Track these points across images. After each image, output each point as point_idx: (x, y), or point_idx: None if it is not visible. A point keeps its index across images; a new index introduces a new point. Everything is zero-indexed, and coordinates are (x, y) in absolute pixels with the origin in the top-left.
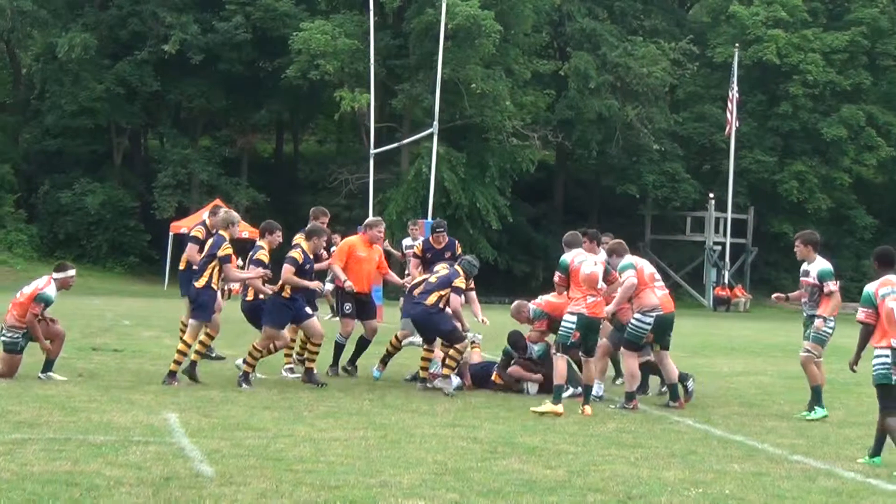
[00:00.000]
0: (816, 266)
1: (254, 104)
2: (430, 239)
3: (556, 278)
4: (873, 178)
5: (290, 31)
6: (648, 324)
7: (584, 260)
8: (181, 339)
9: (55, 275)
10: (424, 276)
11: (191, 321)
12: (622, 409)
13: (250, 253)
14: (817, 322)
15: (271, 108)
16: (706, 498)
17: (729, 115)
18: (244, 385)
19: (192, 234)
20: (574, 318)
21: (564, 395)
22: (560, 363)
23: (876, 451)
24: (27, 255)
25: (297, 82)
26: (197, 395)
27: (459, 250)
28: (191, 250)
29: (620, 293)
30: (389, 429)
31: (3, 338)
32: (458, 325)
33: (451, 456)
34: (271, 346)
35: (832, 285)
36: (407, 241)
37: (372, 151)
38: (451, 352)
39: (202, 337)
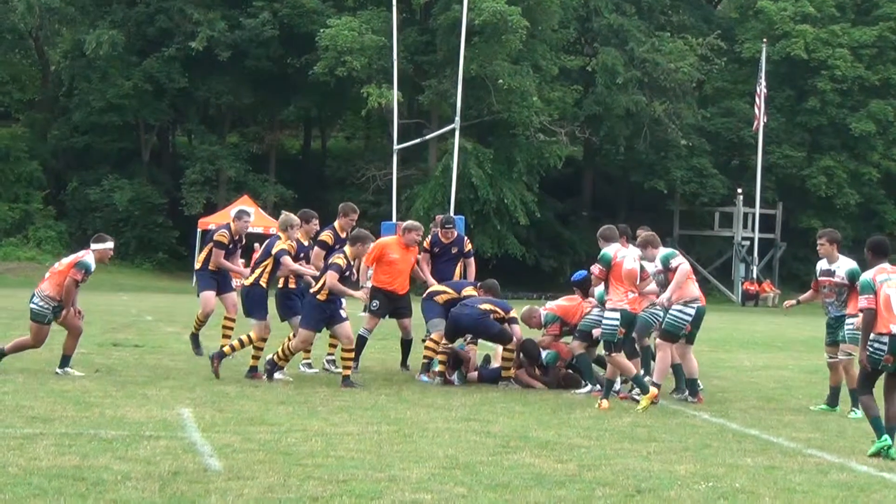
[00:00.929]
0: (844, 265)
1: (281, 101)
2: (440, 234)
3: (595, 271)
4: None
5: (317, 27)
6: (690, 314)
7: (626, 255)
8: (241, 339)
9: (94, 245)
10: (444, 287)
11: (250, 321)
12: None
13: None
14: (857, 321)
15: (299, 105)
16: (715, 492)
17: (757, 111)
18: (265, 378)
19: (216, 238)
20: (617, 315)
21: (582, 391)
22: (617, 360)
23: (878, 434)
24: (56, 252)
25: (324, 79)
26: (213, 389)
27: (469, 247)
28: (217, 256)
29: (678, 277)
30: (403, 423)
31: (32, 305)
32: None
33: (462, 450)
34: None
35: None
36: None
37: (395, 147)
38: (505, 353)
39: (244, 337)
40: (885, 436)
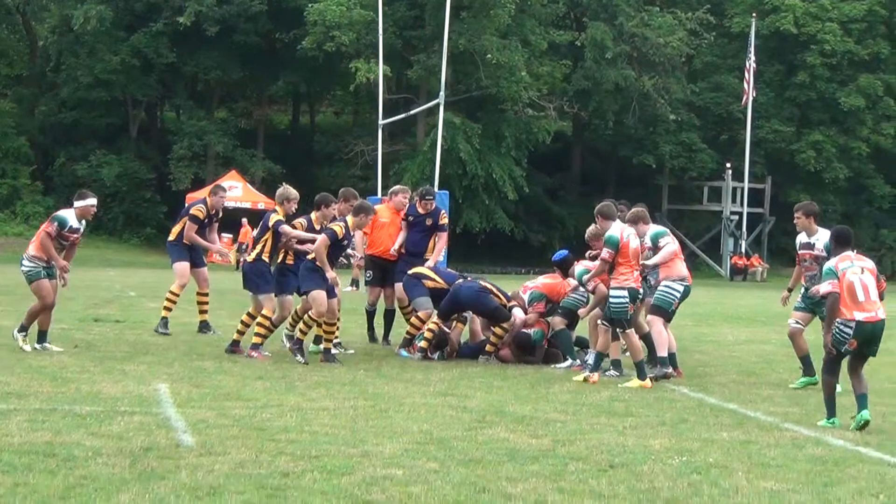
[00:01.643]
0: (823, 238)
1: (270, 76)
2: (417, 205)
3: (605, 256)
4: (891, 147)
5: (305, 2)
6: (679, 290)
7: (630, 233)
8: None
9: (76, 203)
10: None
11: (259, 297)
12: (661, 378)
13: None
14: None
15: (287, 80)
16: (689, 466)
17: (746, 85)
18: (299, 357)
19: (193, 212)
20: (626, 293)
21: (562, 365)
22: (630, 339)
23: (830, 412)
24: None
25: (312, 54)
26: (191, 365)
27: (444, 220)
28: (189, 229)
29: (662, 254)
30: (380, 398)
31: (22, 268)
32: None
33: (437, 425)
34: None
35: None
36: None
37: (381, 122)
38: (498, 330)
39: (245, 316)
40: (835, 418)
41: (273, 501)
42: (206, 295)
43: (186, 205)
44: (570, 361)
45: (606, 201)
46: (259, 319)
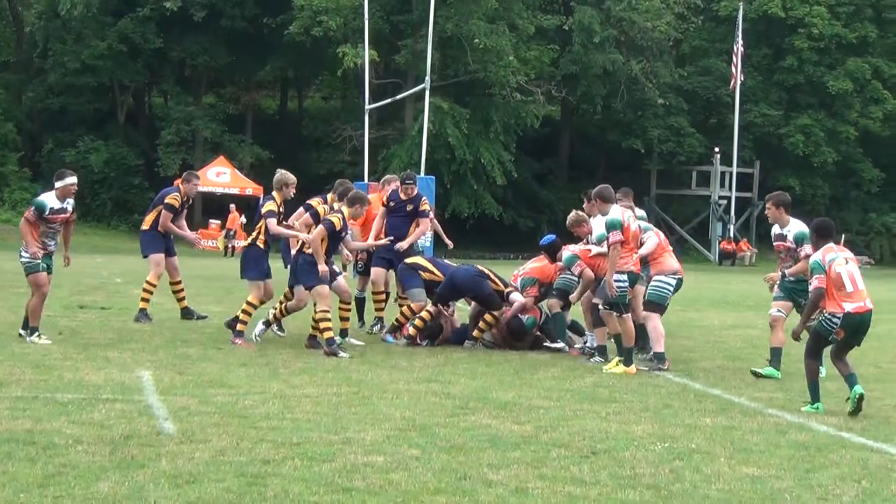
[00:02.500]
0: (794, 228)
1: (258, 61)
2: (399, 190)
3: (612, 238)
4: (880, 131)
5: None
6: (672, 284)
7: (630, 216)
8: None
9: (56, 184)
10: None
11: (248, 283)
12: (658, 371)
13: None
14: (772, 275)
15: (275, 65)
16: (671, 452)
17: (734, 69)
18: (341, 354)
19: (168, 201)
20: (625, 277)
21: (554, 346)
22: (627, 324)
23: (814, 397)
24: None
25: (300, 39)
26: (175, 352)
27: (424, 206)
28: (165, 218)
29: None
30: (363, 385)
31: (21, 260)
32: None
33: (420, 412)
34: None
35: (808, 248)
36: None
37: (367, 107)
38: (488, 317)
39: (248, 301)
40: (819, 403)
41: (253, 489)
42: (179, 282)
43: (159, 192)
44: (561, 344)
45: (604, 185)
46: (244, 306)
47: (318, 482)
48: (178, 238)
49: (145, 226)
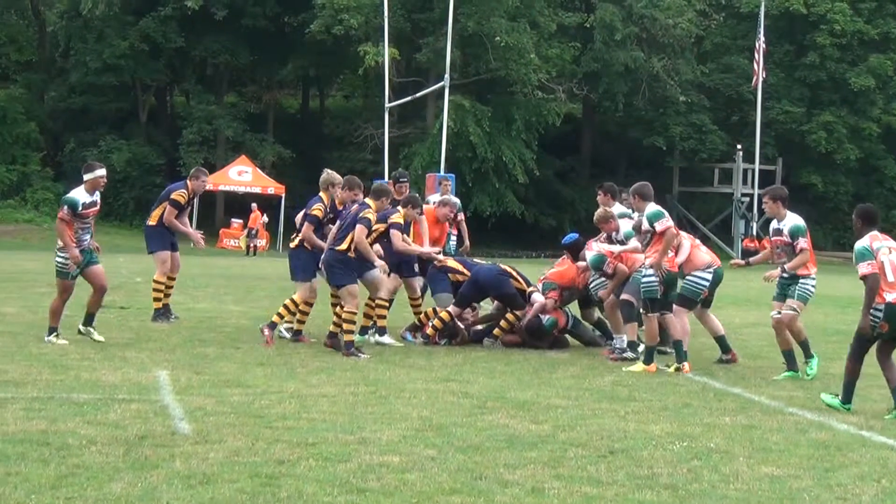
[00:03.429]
0: (789, 223)
1: (279, 60)
2: (394, 188)
3: (659, 227)
4: None
5: None
6: (708, 279)
7: (667, 213)
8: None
9: (85, 176)
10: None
11: (297, 284)
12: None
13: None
14: (772, 272)
15: (296, 64)
16: (689, 452)
17: (756, 66)
18: (361, 355)
19: (174, 197)
20: (656, 273)
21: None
22: (651, 323)
23: (846, 397)
24: (54, 214)
25: (321, 37)
26: (193, 352)
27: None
28: (170, 214)
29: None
30: (381, 384)
31: (55, 260)
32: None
33: (437, 411)
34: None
35: (803, 242)
36: (433, 197)
37: (387, 105)
38: (510, 316)
39: (289, 302)
40: (850, 405)
41: (267, 490)
42: (174, 279)
43: (166, 188)
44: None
45: (643, 182)
46: (299, 316)
47: (332, 482)
48: (181, 235)
49: (151, 221)
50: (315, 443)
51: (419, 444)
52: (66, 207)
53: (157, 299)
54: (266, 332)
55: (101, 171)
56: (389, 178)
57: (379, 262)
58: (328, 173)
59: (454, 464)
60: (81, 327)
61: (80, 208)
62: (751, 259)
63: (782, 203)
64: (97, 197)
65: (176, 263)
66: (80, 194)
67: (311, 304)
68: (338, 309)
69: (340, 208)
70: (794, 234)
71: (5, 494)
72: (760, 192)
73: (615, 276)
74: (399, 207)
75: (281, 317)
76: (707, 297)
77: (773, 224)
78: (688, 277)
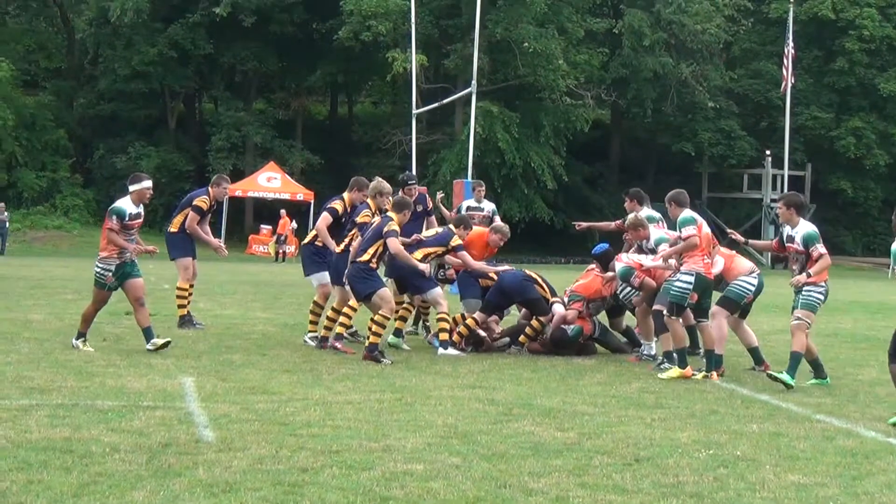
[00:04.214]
0: (801, 230)
1: (307, 66)
2: (402, 191)
3: (690, 230)
4: None
5: None
6: (754, 284)
7: (703, 220)
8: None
9: (130, 187)
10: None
11: (335, 288)
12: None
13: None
14: (798, 277)
15: (325, 70)
16: (716, 460)
17: (784, 72)
18: (384, 360)
19: (196, 203)
20: (692, 279)
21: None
22: (677, 327)
23: None
24: (83, 220)
25: (349, 44)
26: (219, 358)
27: (431, 204)
28: (192, 220)
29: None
30: (406, 391)
31: (95, 268)
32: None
33: (462, 418)
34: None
35: (820, 248)
36: (470, 202)
37: (415, 112)
38: (535, 322)
39: (331, 312)
40: None
41: (290, 498)
42: (192, 286)
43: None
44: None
45: (679, 190)
46: (341, 320)
47: (355, 491)
48: (202, 243)
49: (173, 228)
50: (339, 450)
51: (444, 452)
52: (115, 217)
53: (181, 306)
54: (338, 345)
55: (148, 183)
56: (403, 181)
57: (423, 266)
58: (378, 181)
59: (479, 472)
60: (149, 346)
61: (126, 219)
62: (751, 241)
63: (796, 210)
64: (141, 210)
65: (194, 271)
66: (126, 204)
67: (352, 307)
68: (331, 314)
69: (349, 209)
70: (807, 241)
71: (27, 503)
72: (774, 197)
73: (642, 288)
74: (391, 214)
75: (328, 329)
76: (747, 304)
77: (787, 231)
78: (734, 282)
